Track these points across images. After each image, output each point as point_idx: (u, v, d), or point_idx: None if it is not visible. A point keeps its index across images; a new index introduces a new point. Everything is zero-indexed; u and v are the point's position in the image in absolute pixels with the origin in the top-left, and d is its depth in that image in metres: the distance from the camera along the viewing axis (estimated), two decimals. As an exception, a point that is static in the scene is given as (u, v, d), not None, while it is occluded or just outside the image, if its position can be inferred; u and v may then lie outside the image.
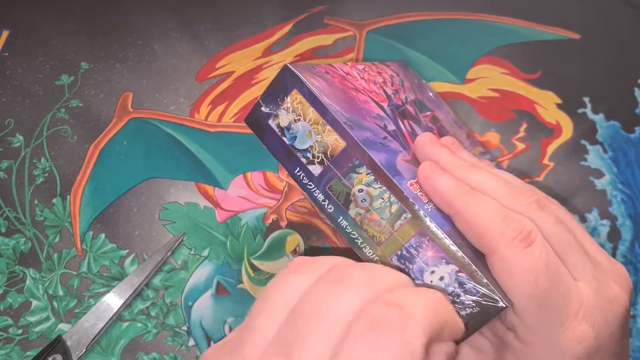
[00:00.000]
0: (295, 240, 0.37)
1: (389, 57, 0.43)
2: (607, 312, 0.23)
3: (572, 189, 0.39)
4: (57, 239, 0.36)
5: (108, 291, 0.34)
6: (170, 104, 0.41)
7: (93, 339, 0.32)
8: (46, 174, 0.38)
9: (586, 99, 0.42)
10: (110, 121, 0.40)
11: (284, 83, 0.25)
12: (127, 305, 0.34)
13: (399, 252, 0.24)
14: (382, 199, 0.24)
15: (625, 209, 0.38)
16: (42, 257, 0.36)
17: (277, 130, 0.26)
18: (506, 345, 0.24)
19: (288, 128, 0.26)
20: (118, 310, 0.33)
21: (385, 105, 0.29)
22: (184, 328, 0.34)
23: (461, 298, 0.23)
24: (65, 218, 0.37)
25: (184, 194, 0.38)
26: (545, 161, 0.40)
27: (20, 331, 0.34)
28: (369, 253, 0.25)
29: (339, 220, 0.25)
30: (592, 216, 0.38)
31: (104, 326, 0.33)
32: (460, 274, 0.23)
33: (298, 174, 0.26)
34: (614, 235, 0.37)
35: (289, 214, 0.37)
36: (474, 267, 0.22)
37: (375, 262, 0.25)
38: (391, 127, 0.28)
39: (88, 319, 0.33)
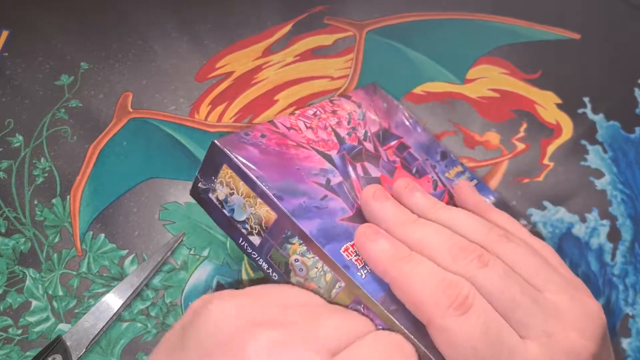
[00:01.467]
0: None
1: (389, 57, 0.43)
2: None
3: (572, 189, 0.39)
4: (56, 239, 0.36)
5: (108, 291, 0.34)
6: (170, 104, 0.41)
7: (93, 339, 0.32)
8: (46, 174, 0.38)
9: (586, 99, 0.42)
10: (110, 121, 0.40)
11: (214, 159, 0.26)
12: (127, 305, 0.34)
13: None
14: (317, 268, 0.24)
15: (625, 209, 0.38)
16: (42, 257, 0.36)
17: (217, 203, 0.26)
18: None
19: (225, 201, 0.26)
20: (118, 310, 0.33)
21: (334, 153, 0.29)
22: (184, 328, 0.34)
23: None
24: (65, 218, 0.37)
25: (184, 194, 0.38)
26: (545, 161, 0.40)
27: (20, 331, 0.34)
28: None
29: None
30: (592, 216, 0.38)
31: (104, 326, 0.33)
32: None
33: (242, 243, 0.26)
34: (614, 235, 0.37)
35: (288, 214, 0.37)
36: (409, 334, 0.22)
37: None
38: (336, 180, 0.27)
39: (88, 319, 0.33)
